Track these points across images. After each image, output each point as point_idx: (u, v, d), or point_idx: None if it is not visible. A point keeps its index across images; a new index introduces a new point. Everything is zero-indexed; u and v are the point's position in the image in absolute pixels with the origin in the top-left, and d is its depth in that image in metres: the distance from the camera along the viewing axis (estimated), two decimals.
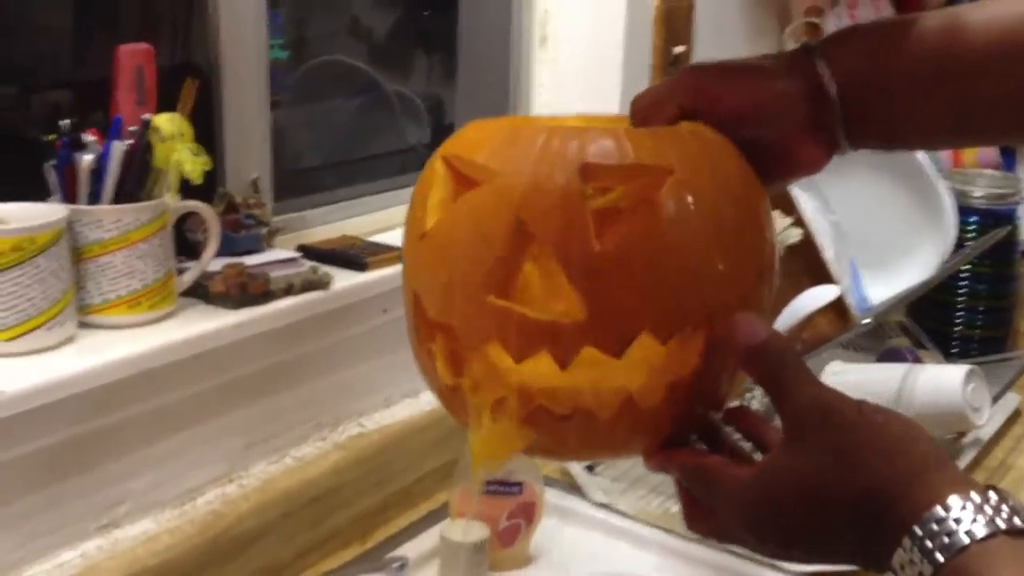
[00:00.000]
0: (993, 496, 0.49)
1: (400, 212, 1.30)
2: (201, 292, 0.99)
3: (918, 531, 0.49)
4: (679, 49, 1.46)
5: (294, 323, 1.03)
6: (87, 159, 0.89)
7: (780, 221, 0.99)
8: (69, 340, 0.89)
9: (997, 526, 0.48)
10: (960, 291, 1.53)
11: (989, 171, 1.59)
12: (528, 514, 1.14)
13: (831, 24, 1.66)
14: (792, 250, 1.03)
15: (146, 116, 0.91)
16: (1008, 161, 1.69)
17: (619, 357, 0.56)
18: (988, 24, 0.61)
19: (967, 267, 1.51)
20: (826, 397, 0.55)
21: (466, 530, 1.09)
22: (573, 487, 1.22)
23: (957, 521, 0.48)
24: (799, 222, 1.04)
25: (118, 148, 0.90)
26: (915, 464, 0.52)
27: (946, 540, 0.48)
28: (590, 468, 1.24)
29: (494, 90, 1.51)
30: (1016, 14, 0.61)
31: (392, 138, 1.73)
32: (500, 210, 0.56)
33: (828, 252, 1.15)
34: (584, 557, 1.15)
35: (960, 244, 1.45)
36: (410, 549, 1.08)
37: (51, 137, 0.90)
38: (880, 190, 1.38)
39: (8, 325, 0.85)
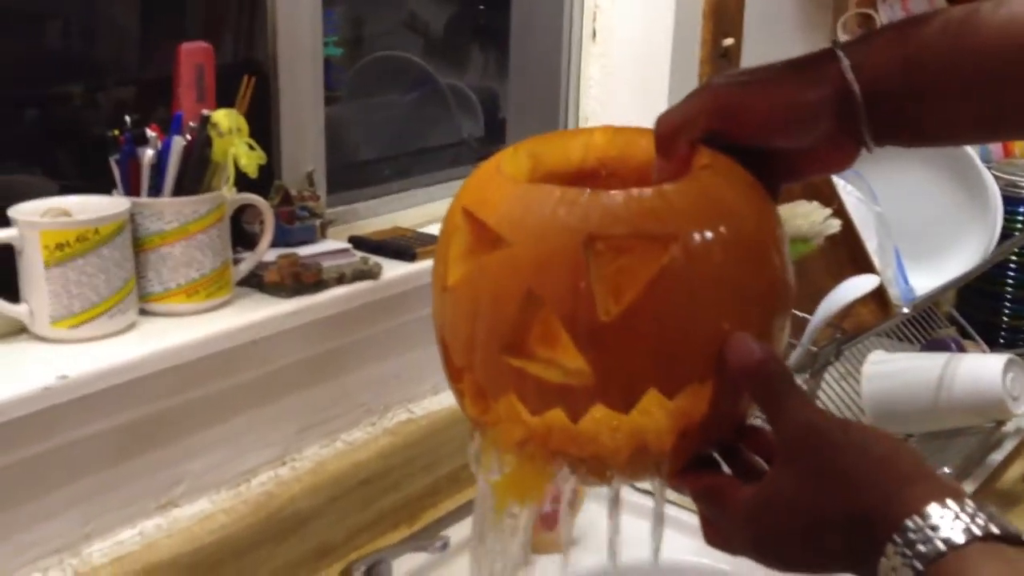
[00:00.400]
0: (970, 505, 0.50)
1: (427, 211, 1.31)
2: (256, 282, 1.01)
3: (898, 539, 0.50)
4: (728, 41, 1.45)
5: (345, 312, 1.05)
6: (149, 153, 0.92)
7: (820, 212, 0.99)
8: (131, 327, 0.92)
9: (973, 533, 0.48)
10: (1009, 281, 1.51)
11: None
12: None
13: (884, 15, 1.64)
14: (833, 240, 1.03)
15: (205, 112, 0.94)
16: None
17: (627, 413, 0.57)
18: (1012, 22, 0.60)
19: (1015, 257, 1.49)
20: (815, 419, 0.56)
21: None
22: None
23: (934, 528, 0.49)
24: (839, 212, 1.03)
25: (178, 143, 0.92)
26: (897, 479, 0.52)
27: (924, 548, 0.49)
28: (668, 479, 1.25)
29: (546, 84, 1.51)
30: None
31: (446, 132, 1.75)
32: (513, 278, 0.57)
33: (871, 242, 1.14)
34: (626, 542, 1.16)
35: (1008, 234, 1.43)
36: (456, 531, 1.10)
37: (115, 133, 0.93)
38: (926, 180, 1.36)
39: (73, 312, 0.88)
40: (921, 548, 0.49)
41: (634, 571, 1.15)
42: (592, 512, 1.19)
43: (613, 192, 0.57)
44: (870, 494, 0.52)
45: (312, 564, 1.02)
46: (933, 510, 0.49)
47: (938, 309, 1.51)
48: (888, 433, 0.57)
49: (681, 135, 0.63)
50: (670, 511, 1.15)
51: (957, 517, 0.49)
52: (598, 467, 0.60)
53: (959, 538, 0.48)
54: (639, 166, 0.68)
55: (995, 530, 0.49)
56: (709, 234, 0.56)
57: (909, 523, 0.49)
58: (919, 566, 0.48)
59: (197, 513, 0.96)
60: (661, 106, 1.43)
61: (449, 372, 0.64)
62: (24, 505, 0.85)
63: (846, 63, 0.60)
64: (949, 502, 0.50)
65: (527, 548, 1.12)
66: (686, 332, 0.56)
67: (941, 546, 0.48)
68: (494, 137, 1.72)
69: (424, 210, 1.29)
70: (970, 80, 0.60)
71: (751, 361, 0.56)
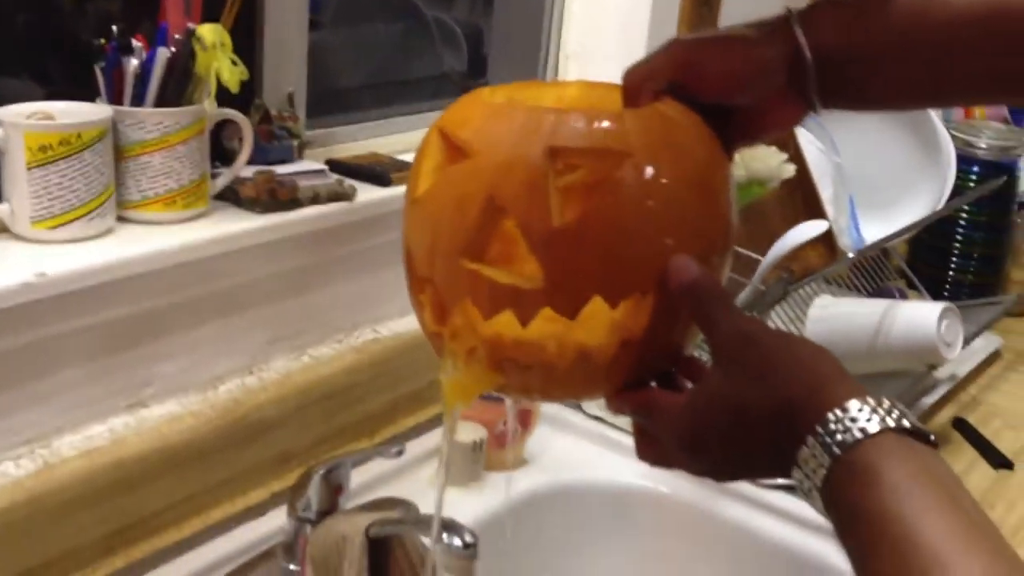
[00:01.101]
0: (886, 402, 0.53)
1: (406, 139, 1.31)
2: (232, 196, 1.02)
3: (819, 429, 0.53)
4: None
5: (318, 231, 1.06)
6: (133, 63, 0.92)
7: (776, 156, 1.01)
8: (108, 232, 0.93)
9: (887, 424, 0.52)
10: (957, 238, 1.54)
11: (996, 124, 1.59)
12: (524, 420, 1.18)
13: None
14: (789, 186, 1.04)
15: (191, 25, 0.94)
16: (1017, 117, 1.68)
17: (573, 318, 0.59)
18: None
19: (965, 215, 1.52)
20: (746, 326, 0.59)
21: (466, 431, 1.14)
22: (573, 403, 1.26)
23: (853, 420, 0.52)
24: (796, 159, 1.05)
25: (163, 54, 0.92)
26: (820, 378, 0.55)
27: (842, 436, 0.52)
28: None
29: (529, 21, 1.51)
30: None
31: (429, 64, 1.74)
32: (476, 185, 0.60)
33: (826, 191, 1.16)
34: (575, 463, 1.19)
35: (960, 192, 1.46)
36: (415, 446, 1.12)
37: (102, 41, 0.93)
38: (885, 135, 1.38)
39: (53, 214, 0.89)
40: (840, 437, 0.52)
41: (579, 489, 1.19)
42: (544, 435, 1.22)
43: (575, 112, 0.60)
44: (796, 389, 0.55)
45: (274, 469, 1.05)
46: (852, 404, 0.53)
47: (889, 262, 1.53)
48: (810, 340, 0.60)
49: (647, 86, 0.66)
50: (621, 438, 1.19)
51: (874, 411, 0.53)
52: (543, 377, 0.62)
53: (874, 428, 0.52)
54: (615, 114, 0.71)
55: (906, 424, 0.53)
56: (659, 158, 0.59)
57: (831, 415, 0.53)
58: (837, 452, 0.52)
59: (165, 414, 0.97)
60: (641, 44, 1.44)
61: (412, 284, 0.67)
62: (12, 391, 0.87)
63: (799, 26, 0.62)
64: (868, 399, 0.53)
65: (480, 464, 1.15)
66: (632, 244, 0.59)
67: (858, 434, 0.52)
68: (476, 72, 1.72)
69: (402, 138, 1.29)
70: (916, 50, 0.63)
71: (689, 277, 0.59)
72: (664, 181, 0.59)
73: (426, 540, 0.88)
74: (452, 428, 0.72)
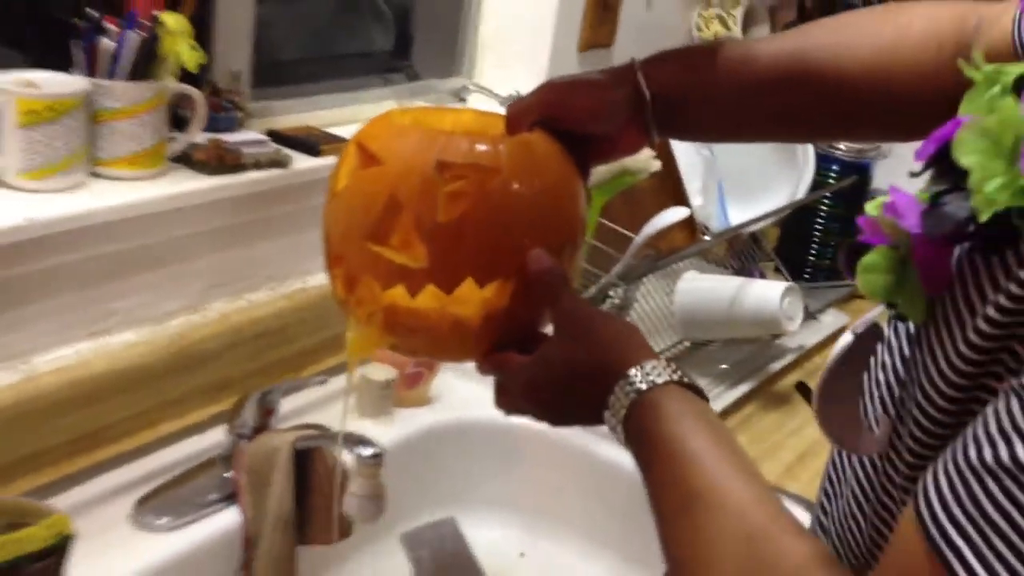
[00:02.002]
0: (672, 364, 0.73)
1: (357, 111, 1.50)
2: (186, 159, 1.19)
3: (623, 381, 0.72)
4: None
5: (257, 192, 1.24)
6: (107, 43, 1.10)
7: (645, 153, 1.21)
8: (81, 185, 1.10)
9: (672, 378, 0.71)
10: (817, 227, 1.77)
11: None
12: (430, 365, 1.38)
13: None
14: (660, 177, 1.26)
15: (156, 13, 1.11)
16: None
17: (450, 293, 0.77)
18: (769, 54, 0.83)
19: (824, 207, 1.75)
20: (580, 307, 0.78)
21: (380, 370, 1.34)
22: None
23: (647, 374, 0.71)
24: (664, 156, 1.26)
25: (133, 38, 1.10)
26: (628, 346, 0.74)
27: (639, 384, 0.71)
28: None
29: (450, 13, 1.70)
30: (789, 49, 0.83)
31: (360, 41, 1.90)
32: (382, 186, 0.77)
33: (696, 182, 1.38)
34: (471, 403, 1.40)
35: (821, 187, 1.69)
36: (336, 381, 1.32)
37: (78, 21, 1.10)
38: None
39: (37, 167, 1.06)
40: (637, 384, 0.71)
41: (474, 426, 1.39)
42: (447, 379, 1.43)
43: (461, 135, 0.79)
44: (610, 354, 0.74)
45: (214, 394, 1.23)
46: (648, 363, 0.72)
47: (759, 247, 1.76)
48: (624, 319, 0.80)
49: (524, 119, 0.84)
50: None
51: (663, 370, 0.72)
52: (425, 340, 0.81)
53: (662, 380, 0.71)
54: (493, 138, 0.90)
55: (686, 380, 0.72)
56: (522, 175, 0.77)
57: (633, 370, 0.72)
58: (634, 395, 0.71)
59: (123, 342, 1.15)
60: (545, 45, 1.64)
61: (328, 260, 0.84)
62: None
63: (641, 74, 0.82)
64: (660, 361, 0.73)
65: (389, 400, 1.34)
66: (498, 239, 0.76)
67: (650, 383, 0.71)
68: (401, 52, 1.87)
69: (333, 113, 1.48)
70: (730, 94, 0.83)
71: (541, 266, 0.77)
72: (525, 192, 0.76)
73: (342, 454, 1.09)
74: (353, 375, 0.89)
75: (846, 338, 0.75)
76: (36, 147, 1.05)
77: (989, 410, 0.53)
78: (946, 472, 0.53)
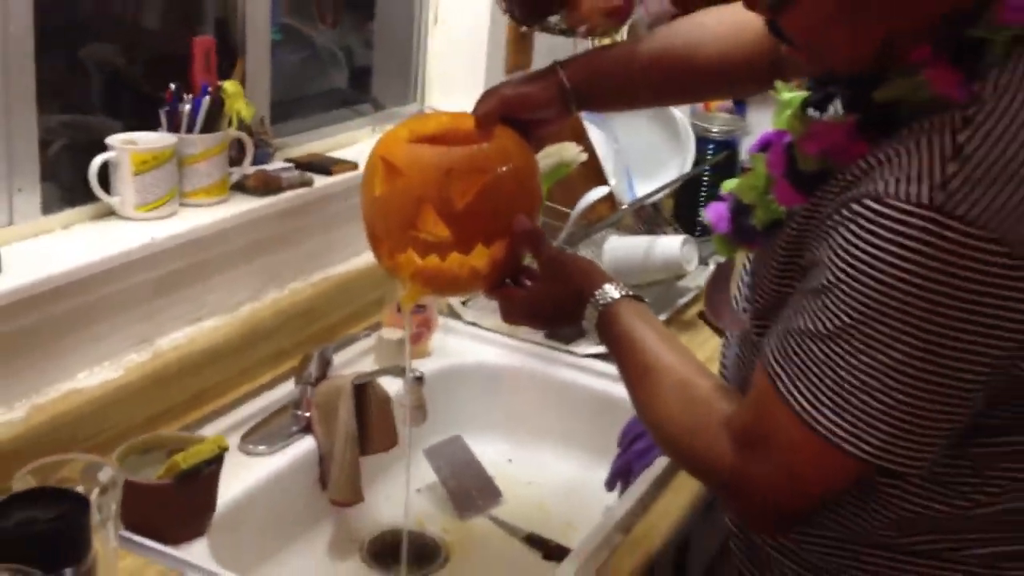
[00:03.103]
0: (624, 285, 1.12)
1: (346, 137, 1.90)
2: (241, 187, 1.60)
3: (592, 299, 1.10)
4: (524, 28, 2.09)
5: (292, 207, 1.65)
6: (187, 108, 1.50)
7: (574, 148, 1.63)
8: (176, 212, 1.50)
9: (624, 294, 1.11)
10: (702, 194, 2.25)
11: (724, 114, 2.30)
12: (428, 325, 1.81)
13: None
14: (585, 165, 1.70)
15: (220, 83, 1.52)
16: (739, 108, 2.40)
17: (467, 254, 1.14)
18: (647, 48, 1.24)
19: (706, 178, 2.22)
20: (555, 252, 1.15)
21: (391, 332, 1.76)
22: (454, 314, 1.90)
23: (606, 293, 1.10)
24: (589, 149, 1.70)
25: (206, 102, 1.50)
26: (592, 275, 1.13)
27: (603, 300, 1.09)
28: (464, 303, 1.92)
29: (403, 54, 2.10)
30: (661, 43, 1.24)
31: (327, 81, 2.27)
32: (410, 191, 1.12)
33: (609, 165, 1.82)
34: (461, 352, 1.82)
35: (701, 162, 2.16)
36: (359, 345, 1.74)
37: (166, 94, 1.50)
38: (646, 127, 2.06)
39: (147, 202, 1.45)
40: (601, 300, 1.11)
41: (464, 368, 1.81)
42: (441, 336, 1.85)
43: (458, 148, 1.15)
44: (582, 283, 1.14)
45: (276, 360, 1.63)
46: (607, 286, 1.12)
47: (660, 214, 2.22)
48: (589, 259, 1.21)
49: (489, 116, 1.20)
50: (486, 334, 1.83)
51: (617, 289, 1.12)
52: (452, 284, 1.17)
53: (617, 295, 1.11)
54: (465, 132, 1.23)
55: (633, 295, 1.12)
56: (503, 168, 1.14)
57: (597, 292, 1.12)
58: (601, 307, 1.11)
59: (212, 326, 1.56)
60: (480, 72, 2.07)
61: (373, 244, 1.20)
62: (112, 316, 1.44)
63: (562, 72, 1.21)
64: (615, 284, 1.12)
65: (402, 353, 1.75)
66: (495, 213, 1.13)
67: (610, 298, 1.11)
68: (359, 87, 2.27)
69: (327, 141, 1.89)
70: (620, 79, 1.24)
71: (525, 227, 1.16)
72: (505, 178, 1.13)
73: (391, 384, 1.51)
74: (408, 318, 1.30)
75: (713, 267, 1.24)
76: (146, 187, 1.45)
77: (791, 300, 0.94)
78: (776, 335, 0.94)
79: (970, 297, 0.83)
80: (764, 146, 1.06)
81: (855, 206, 0.87)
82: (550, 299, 1.17)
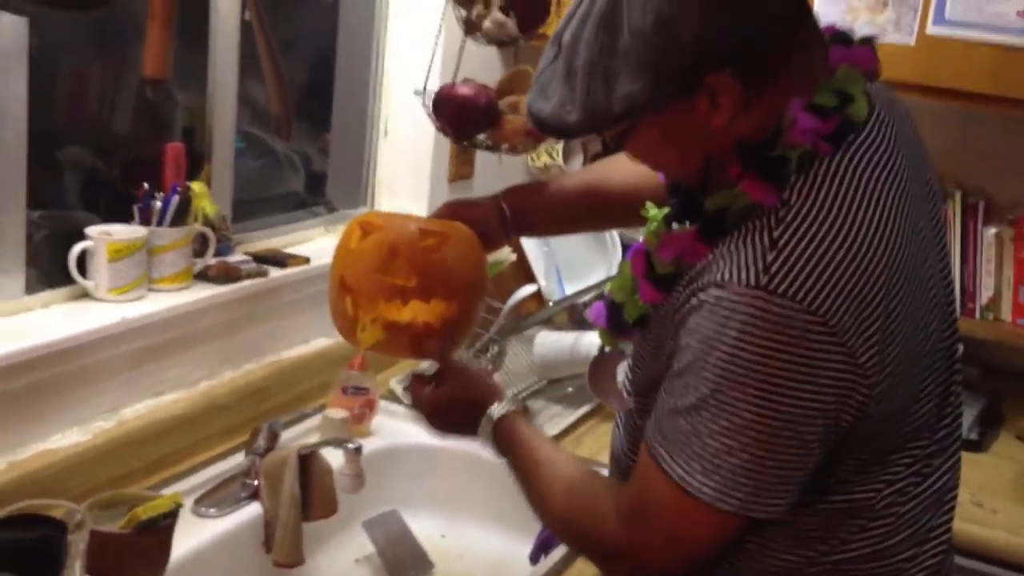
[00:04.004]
0: (514, 401, 1.32)
1: (300, 236, 2.11)
2: (203, 275, 1.79)
3: (487, 414, 1.29)
4: (464, 143, 2.33)
5: (248, 295, 1.84)
6: (158, 203, 1.70)
7: (506, 251, 1.86)
8: (144, 296, 1.69)
9: (516, 408, 1.30)
10: None
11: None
12: (371, 406, 1.99)
13: None
14: (516, 265, 1.91)
15: (188, 184, 1.73)
16: None
17: (427, 302, 1.35)
18: (573, 184, 1.49)
19: None
20: (463, 367, 1.38)
21: (336, 412, 1.93)
22: (395, 397, 2.08)
23: (499, 408, 1.29)
24: (518, 251, 1.92)
25: (175, 200, 1.71)
26: (489, 390, 1.33)
27: (496, 414, 1.29)
28: (404, 389, 2.10)
29: (355, 162, 2.32)
30: (586, 180, 1.49)
31: (281, 185, 2.48)
32: (384, 242, 1.35)
33: (539, 268, 2.04)
34: (400, 432, 2.00)
35: None
36: (309, 422, 1.91)
37: (139, 191, 1.70)
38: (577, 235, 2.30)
39: (118, 286, 1.64)
40: (495, 414, 1.30)
41: (402, 448, 1.98)
42: (381, 419, 2.03)
43: (420, 216, 1.40)
44: (479, 395, 1.33)
45: (229, 433, 1.81)
46: (501, 401, 1.31)
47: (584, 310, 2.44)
48: (485, 375, 1.40)
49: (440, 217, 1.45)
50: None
51: (510, 404, 1.30)
52: (407, 335, 1.36)
53: (509, 409, 1.30)
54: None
55: (521, 408, 1.32)
56: (461, 236, 1.36)
57: (493, 406, 1.31)
58: (495, 419, 1.29)
59: (172, 399, 1.73)
60: (425, 180, 2.29)
61: (338, 292, 1.38)
62: (84, 386, 1.61)
63: (502, 199, 1.46)
64: (507, 400, 1.31)
65: (347, 431, 1.93)
66: (452, 273, 1.33)
67: (504, 411, 1.30)
68: (312, 190, 2.48)
69: (284, 239, 2.10)
70: (554, 210, 1.49)
71: (434, 349, 1.37)
72: (465, 246, 1.34)
73: (332, 454, 1.69)
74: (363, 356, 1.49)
75: (595, 352, 1.45)
76: (118, 273, 1.65)
77: (663, 386, 1.10)
78: (654, 417, 1.10)
79: (797, 359, 1.01)
80: (635, 253, 1.25)
81: (701, 295, 1.06)
82: (451, 402, 1.37)
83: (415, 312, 1.33)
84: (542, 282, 2.04)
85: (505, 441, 1.30)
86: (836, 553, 1.15)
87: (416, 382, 1.41)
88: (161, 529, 1.44)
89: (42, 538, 1.05)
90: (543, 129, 1.13)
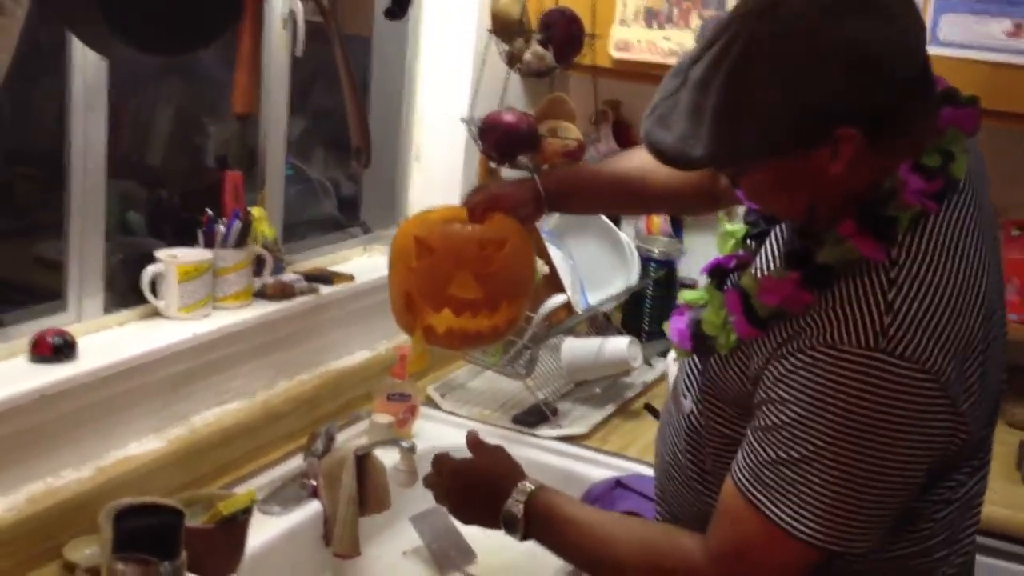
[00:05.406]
0: (533, 480, 1.36)
1: (342, 255, 2.25)
2: (262, 293, 1.93)
3: (514, 493, 1.34)
4: (494, 165, 2.47)
5: (302, 311, 1.98)
6: (221, 228, 1.84)
7: (540, 262, 1.99)
8: (210, 314, 1.82)
9: (537, 486, 1.35)
10: (647, 304, 2.61)
11: (664, 237, 2.67)
12: (412, 411, 2.12)
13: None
14: (547, 278, 2.05)
15: (248, 208, 1.87)
16: (677, 231, 2.76)
17: (495, 311, 1.47)
18: (608, 170, 1.59)
19: (650, 291, 2.59)
20: (483, 452, 1.45)
21: (381, 417, 2.07)
22: (433, 404, 2.22)
23: (526, 485, 1.34)
24: (550, 264, 2.06)
25: (237, 224, 1.85)
26: (513, 473, 1.38)
27: (528, 490, 1.34)
28: (442, 395, 2.24)
29: (388, 185, 2.46)
30: (620, 167, 1.59)
31: (320, 208, 2.61)
32: (448, 260, 1.46)
33: (565, 278, 2.18)
34: (440, 435, 2.13)
35: (645, 277, 2.53)
36: (357, 427, 2.05)
37: (203, 217, 1.85)
38: (596, 247, 2.42)
39: (187, 305, 1.78)
40: (520, 496, 1.36)
41: (440, 449, 2.10)
42: (422, 423, 2.16)
43: (480, 225, 1.49)
44: (502, 478, 1.39)
45: (286, 439, 1.94)
46: (523, 483, 1.38)
47: (611, 320, 2.57)
48: (508, 460, 1.45)
49: (478, 209, 1.53)
50: (465, 422, 2.15)
51: (532, 483, 1.37)
52: (476, 340, 1.50)
53: (534, 485, 1.37)
54: (464, 220, 1.55)
55: (543, 485, 1.39)
56: (516, 238, 1.48)
57: (519, 485, 1.37)
58: (521, 500, 1.36)
59: (235, 408, 1.87)
60: (457, 194, 2.42)
61: (405, 309, 1.51)
62: (158, 397, 1.75)
63: (538, 180, 1.56)
64: (529, 480, 1.39)
65: (392, 434, 2.06)
66: (513, 275, 1.46)
67: (529, 489, 1.37)
68: (345, 213, 2.60)
69: (327, 258, 2.23)
70: (587, 191, 1.60)
71: (473, 440, 1.50)
72: (520, 247, 1.45)
73: (387, 454, 1.82)
74: (423, 361, 1.61)
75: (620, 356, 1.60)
76: (187, 293, 1.78)
77: (748, 437, 1.16)
78: (745, 469, 1.15)
79: (913, 414, 1.09)
80: (714, 268, 1.35)
81: (813, 353, 1.10)
82: (472, 483, 1.44)
83: (483, 320, 1.44)
84: (568, 293, 2.17)
85: (541, 522, 1.33)
86: (885, 552, 1.22)
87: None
88: (239, 524, 1.58)
89: (163, 524, 1.18)
90: (661, 158, 1.17)
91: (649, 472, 1.95)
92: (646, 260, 2.55)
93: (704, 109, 1.10)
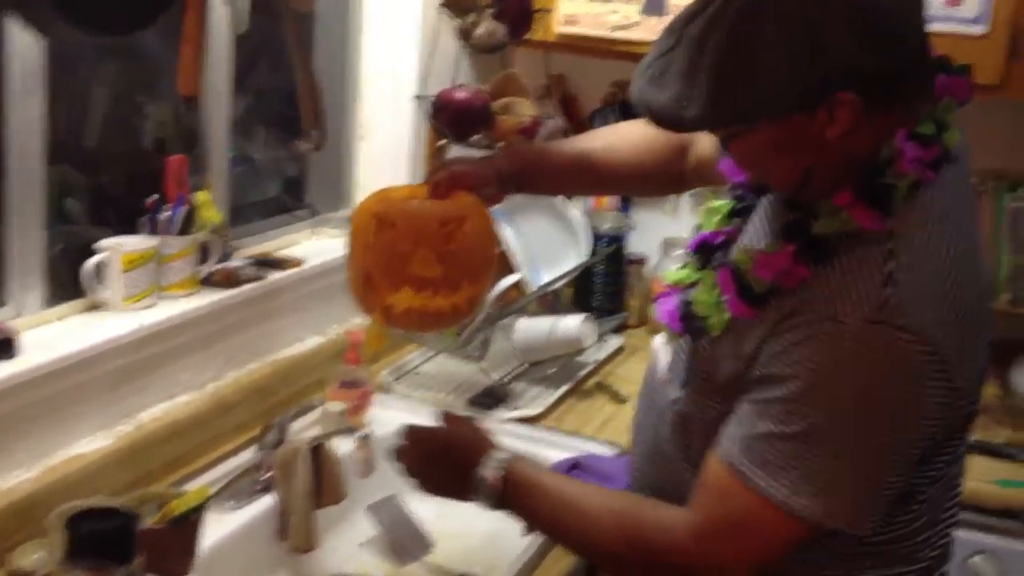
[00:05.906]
0: (509, 449, 1.34)
1: (289, 239, 2.19)
2: (208, 281, 1.87)
3: (484, 460, 1.30)
4: (441, 142, 2.41)
5: (250, 298, 1.92)
6: (166, 214, 1.77)
7: None
8: (155, 304, 1.76)
9: (512, 454, 1.33)
10: (596, 280, 2.58)
11: (612, 212, 2.65)
12: (365, 398, 2.08)
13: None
14: (500, 256, 2.01)
15: (194, 194, 1.80)
16: (624, 207, 2.74)
17: (455, 291, 1.39)
18: (571, 148, 1.53)
19: (600, 267, 2.56)
20: (454, 422, 1.42)
21: (334, 405, 2.02)
22: (388, 389, 2.17)
23: (499, 453, 1.30)
24: (501, 243, 2.02)
25: (182, 210, 1.78)
26: (484, 441, 1.34)
27: (495, 465, 1.29)
28: (395, 379, 2.20)
29: (335, 165, 2.39)
30: (583, 146, 1.54)
31: (264, 190, 2.54)
32: (407, 238, 1.38)
33: (517, 257, 2.15)
34: (394, 421, 2.10)
35: (595, 254, 2.50)
36: (311, 416, 2.00)
37: (148, 203, 1.77)
38: (548, 225, 2.40)
39: (132, 295, 1.71)
40: (495, 465, 1.31)
41: (388, 436, 2.07)
42: (377, 409, 2.12)
43: (441, 202, 1.41)
44: (474, 443, 1.35)
45: (237, 431, 1.89)
46: (493, 450, 1.34)
47: (560, 299, 2.55)
48: (483, 432, 1.40)
49: (441, 186, 1.45)
50: (417, 406, 2.11)
51: (505, 452, 1.34)
52: (436, 320, 1.42)
53: (508, 454, 1.34)
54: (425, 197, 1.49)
55: (518, 454, 1.36)
56: (478, 215, 1.40)
57: (491, 452, 1.32)
58: (496, 467, 1.31)
59: (185, 401, 1.81)
60: (404, 174, 2.37)
61: (364, 287, 1.42)
62: (105, 392, 1.68)
63: (501, 155, 1.49)
64: (503, 447, 1.36)
65: (345, 422, 2.01)
66: (474, 254, 1.39)
67: (503, 457, 1.33)
68: (294, 195, 2.53)
69: (272, 243, 2.17)
70: (551, 171, 1.53)
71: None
72: (482, 224, 1.39)
73: (343, 442, 1.77)
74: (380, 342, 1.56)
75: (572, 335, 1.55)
76: (132, 283, 1.71)
77: (742, 409, 1.13)
78: (737, 441, 1.12)
79: (915, 388, 1.07)
80: (700, 244, 1.31)
81: (813, 328, 1.08)
82: (448, 440, 1.40)
83: (442, 299, 1.38)
84: (521, 272, 2.14)
85: (518, 490, 1.29)
86: (876, 535, 1.20)
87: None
88: (192, 522, 1.53)
89: (120, 527, 1.13)
90: (653, 118, 1.12)
91: (606, 451, 1.94)
92: (596, 236, 2.52)
93: (700, 68, 1.06)
